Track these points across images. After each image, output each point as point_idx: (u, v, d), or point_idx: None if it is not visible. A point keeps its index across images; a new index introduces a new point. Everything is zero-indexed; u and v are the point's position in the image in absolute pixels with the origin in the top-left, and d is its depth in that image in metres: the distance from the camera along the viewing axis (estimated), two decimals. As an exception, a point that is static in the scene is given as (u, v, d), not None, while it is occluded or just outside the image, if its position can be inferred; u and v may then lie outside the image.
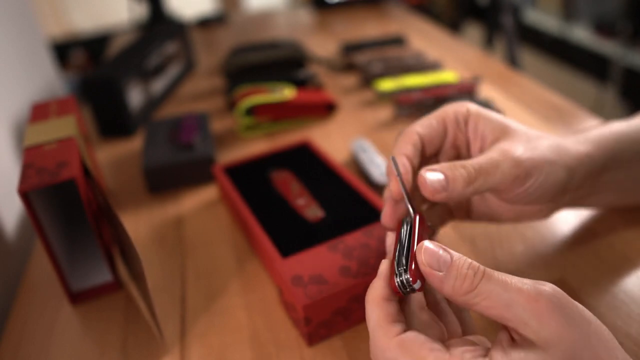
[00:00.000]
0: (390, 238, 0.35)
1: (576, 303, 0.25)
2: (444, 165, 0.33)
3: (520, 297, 0.24)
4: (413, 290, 0.28)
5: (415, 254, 0.28)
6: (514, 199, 0.35)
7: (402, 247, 0.30)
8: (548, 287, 0.25)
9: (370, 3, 1.24)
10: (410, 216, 0.32)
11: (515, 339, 0.25)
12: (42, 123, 0.47)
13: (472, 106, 0.37)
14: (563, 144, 0.36)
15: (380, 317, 0.27)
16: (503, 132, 0.35)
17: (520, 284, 0.25)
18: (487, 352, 0.25)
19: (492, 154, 0.34)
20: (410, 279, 0.27)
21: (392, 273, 0.28)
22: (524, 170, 0.33)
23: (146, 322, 0.41)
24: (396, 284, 0.28)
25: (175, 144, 0.59)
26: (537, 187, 0.34)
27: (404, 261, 0.28)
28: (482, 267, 0.26)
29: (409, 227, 0.31)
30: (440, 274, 0.26)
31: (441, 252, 0.27)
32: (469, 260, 0.27)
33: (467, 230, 0.46)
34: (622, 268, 0.40)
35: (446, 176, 0.32)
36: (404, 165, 0.34)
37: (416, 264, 0.27)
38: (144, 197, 0.57)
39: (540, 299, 0.24)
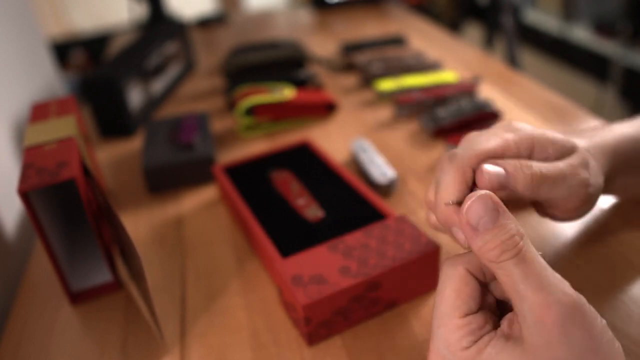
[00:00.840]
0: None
1: (596, 329, 0.24)
2: (509, 161, 0.31)
3: (535, 297, 0.24)
4: None
5: None
6: (561, 210, 0.35)
7: None
8: (570, 301, 0.23)
9: (370, 3, 1.24)
10: None
11: (514, 327, 0.25)
12: (42, 123, 0.47)
13: (534, 132, 0.34)
14: (595, 162, 0.36)
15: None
16: (566, 151, 0.34)
17: (545, 283, 0.24)
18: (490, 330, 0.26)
19: (561, 166, 0.32)
20: None
21: None
22: (589, 194, 0.33)
23: (146, 322, 0.41)
24: None
25: (175, 144, 0.59)
26: (585, 206, 0.34)
27: None
28: (521, 245, 0.24)
29: None
30: (478, 230, 0.25)
31: (492, 209, 0.25)
32: (514, 231, 0.25)
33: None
34: (622, 269, 0.40)
35: (507, 172, 0.30)
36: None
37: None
38: (144, 197, 0.57)
39: (552, 309, 0.23)
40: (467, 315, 0.27)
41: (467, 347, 0.25)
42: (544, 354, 0.23)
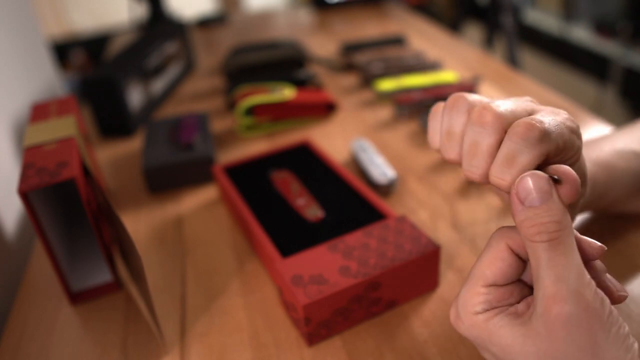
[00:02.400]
0: None
1: (604, 342, 0.23)
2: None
3: (551, 287, 0.24)
4: None
5: None
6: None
7: None
8: (584, 304, 0.23)
9: (370, 3, 1.24)
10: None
11: (527, 313, 0.26)
12: (42, 123, 0.47)
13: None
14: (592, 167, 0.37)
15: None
16: None
17: (566, 277, 0.24)
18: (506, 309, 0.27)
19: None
20: None
21: None
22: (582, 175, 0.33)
23: (146, 322, 0.41)
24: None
25: (175, 144, 0.59)
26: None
27: None
28: (558, 234, 0.25)
29: None
30: (525, 203, 0.25)
31: (544, 189, 0.25)
32: (557, 217, 0.25)
33: (468, 230, 0.46)
34: (622, 268, 0.40)
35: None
36: None
37: None
38: (144, 197, 0.57)
39: (562, 305, 0.23)
40: (490, 286, 0.27)
41: (477, 313, 0.27)
42: (541, 343, 0.24)
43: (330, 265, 0.38)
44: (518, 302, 0.27)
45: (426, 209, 0.50)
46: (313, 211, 0.46)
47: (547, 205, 0.25)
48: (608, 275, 0.27)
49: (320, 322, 0.36)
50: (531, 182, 0.25)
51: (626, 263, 0.41)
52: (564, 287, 0.24)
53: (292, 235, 0.43)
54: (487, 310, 0.27)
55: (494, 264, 0.27)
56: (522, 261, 0.28)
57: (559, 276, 0.24)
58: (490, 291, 0.27)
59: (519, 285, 0.28)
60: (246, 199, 0.49)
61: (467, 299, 0.28)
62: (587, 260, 0.27)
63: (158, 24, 1.14)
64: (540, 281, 0.24)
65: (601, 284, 0.26)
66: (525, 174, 0.26)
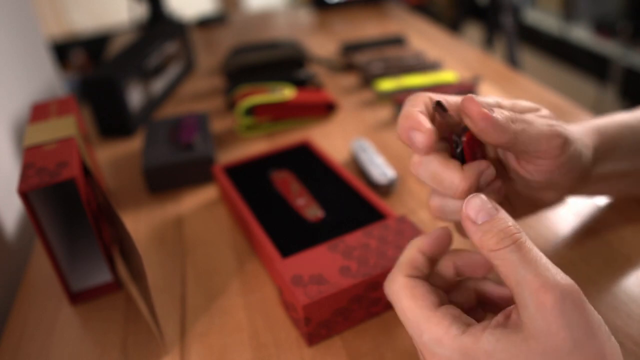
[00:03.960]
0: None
1: (593, 317, 0.24)
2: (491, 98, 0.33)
3: (535, 281, 0.24)
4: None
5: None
6: (553, 171, 0.33)
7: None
8: (569, 283, 0.24)
9: (370, 3, 1.24)
10: (460, 133, 0.31)
11: (511, 318, 0.26)
12: (42, 123, 0.47)
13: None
14: (585, 138, 0.37)
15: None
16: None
17: (543, 268, 0.24)
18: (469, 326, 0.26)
19: (528, 114, 0.33)
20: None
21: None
22: (560, 138, 0.32)
23: (146, 322, 0.41)
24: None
25: (175, 144, 0.59)
26: (576, 157, 0.33)
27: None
28: (519, 236, 0.26)
29: (460, 148, 0.31)
30: (477, 223, 0.27)
31: (489, 205, 0.27)
32: (511, 223, 0.26)
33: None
34: (622, 268, 0.40)
35: (490, 109, 0.30)
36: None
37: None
38: (144, 197, 0.57)
39: (551, 291, 0.24)
40: (438, 306, 0.28)
41: (460, 334, 0.26)
42: (545, 338, 0.23)
43: (330, 265, 0.38)
44: (476, 319, 0.28)
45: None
46: (313, 211, 0.46)
47: (498, 214, 0.27)
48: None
49: (320, 322, 0.36)
50: (477, 201, 0.27)
51: (627, 264, 0.41)
52: (547, 276, 0.24)
53: (292, 235, 0.43)
54: (465, 328, 0.26)
55: (416, 293, 0.29)
56: (425, 277, 0.30)
57: (538, 269, 0.24)
58: (446, 310, 0.27)
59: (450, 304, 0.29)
60: (246, 199, 0.49)
61: (437, 335, 0.26)
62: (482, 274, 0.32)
63: (158, 24, 1.14)
64: (520, 280, 0.25)
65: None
66: (469, 197, 0.28)
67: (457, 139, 0.31)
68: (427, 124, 0.30)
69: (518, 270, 0.25)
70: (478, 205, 0.27)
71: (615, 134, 0.39)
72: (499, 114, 0.30)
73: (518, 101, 0.35)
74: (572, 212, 0.47)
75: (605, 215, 0.46)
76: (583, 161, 0.35)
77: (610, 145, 0.38)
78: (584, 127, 0.38)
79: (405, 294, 0.29)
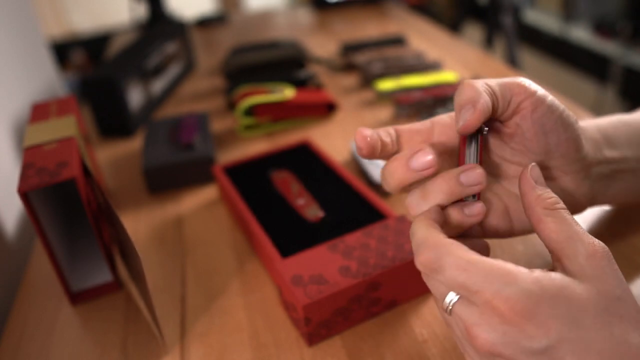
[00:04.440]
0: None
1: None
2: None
3: (587, 237, 0.27)
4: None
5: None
6: (532, 121, 0.34)
7: (470, 155, 0.32)
8: (605, 245, 0.27)
9: (370, 3, 1.24)
10: (481, 130, 0.32)
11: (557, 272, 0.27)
12: (42, 123, 0.47)
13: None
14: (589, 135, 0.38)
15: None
16: None
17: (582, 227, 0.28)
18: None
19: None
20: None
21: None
22: (526, 82, 0.33)
23: (146, 322, 0.41)
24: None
25: (175, 144, 0.59)
26: (548, 108, 0.34)
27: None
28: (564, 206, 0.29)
29: (476, 146, 0.32)
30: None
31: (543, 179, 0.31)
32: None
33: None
34: (624, 270, 0.40)
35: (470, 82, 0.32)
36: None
37: None
38: (144, 197, 0.57)
39: (599, 245, 0.27)
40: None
41: (531, 271, 0.26)
42: (596, 282, 0.26)
43: (330, 265, 0.38)
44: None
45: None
46: (313, 211, 0.46)
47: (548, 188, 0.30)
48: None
49: (320, 322, 0.36)
50: (538, 170, 0.31)
51: (627, 264, 0.41)
52: (590, 236, 0.27)
53: (292, 235, 0.43)
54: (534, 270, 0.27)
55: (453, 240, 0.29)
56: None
57: (581, 229, 0.28)
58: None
59: None
60: (246, 199, 0.49)
61: (501, 270, 0.26)
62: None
63: (158, 24, 1.14)
64: (574, 236, 0.27)
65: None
66: (532, 165, 0.31)
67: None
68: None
69: (572, 226, 0.27)
70: (537, 172, 0.31)
71: (610, 126, 0.39)
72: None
73: None
74: (581, 221, 0.47)
75: (610, 219, 0.45)
76: (567, 114, 0.35)
77: (607, 133, 0.39)
78: (586, 124, 0.39)
79: (461, 251, 0.28)
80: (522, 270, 0.26)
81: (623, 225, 0.44)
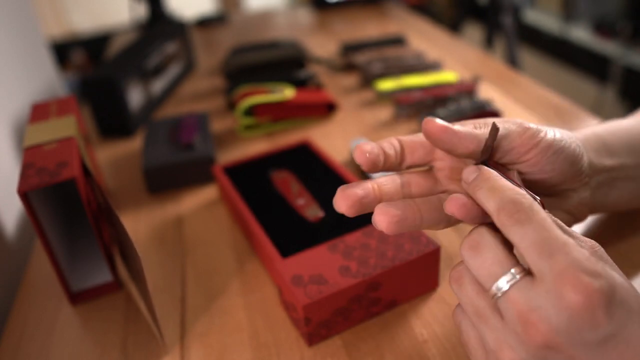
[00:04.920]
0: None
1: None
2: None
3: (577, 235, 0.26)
4: None
5: None
6: (536, 167, 0.33)
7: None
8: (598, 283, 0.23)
9: (370, 3, 1.24)
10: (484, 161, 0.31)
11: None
12: (42, 123, 0.47)
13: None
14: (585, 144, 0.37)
15: None
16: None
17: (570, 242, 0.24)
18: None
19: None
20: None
21: None
22: (529, 128, 0.32)
23: (146, 322, 0.41)
24: None
25: (175, 144, 0.59)
26: (554, 150, 0.33)
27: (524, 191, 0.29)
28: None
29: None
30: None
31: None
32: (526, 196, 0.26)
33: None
34: (625, 269, 0.40)
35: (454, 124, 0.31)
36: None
37: None
38: (144, 197, 0.57)
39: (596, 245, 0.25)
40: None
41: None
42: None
43: (330, 265, 0.38)
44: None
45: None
46: (313, 211, 0.46)
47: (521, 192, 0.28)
48: None
49: (320, 322, 0.36)
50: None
51: (626, 263, 0.41)
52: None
53: (292, 235, 0.43)
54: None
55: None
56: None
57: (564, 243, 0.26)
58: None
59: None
60: (246, 199, 0.49)
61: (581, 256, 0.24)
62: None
63: (158, 24, 1.14)
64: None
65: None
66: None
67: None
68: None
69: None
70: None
71: (608, 133, 0.39)
72: (458, 126, 0.30)
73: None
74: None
75: (610, 220, 0.45)
76: (572, 149, 0.34)
77: (607, 141, 0.39)
78: (577, 132, 0.39)
79: (544, 213, 0.26)
80: (592, 256, 0.24)
81: (623, 224, 0.44)
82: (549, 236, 0.24)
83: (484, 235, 0.27)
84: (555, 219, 0.27)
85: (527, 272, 0.25)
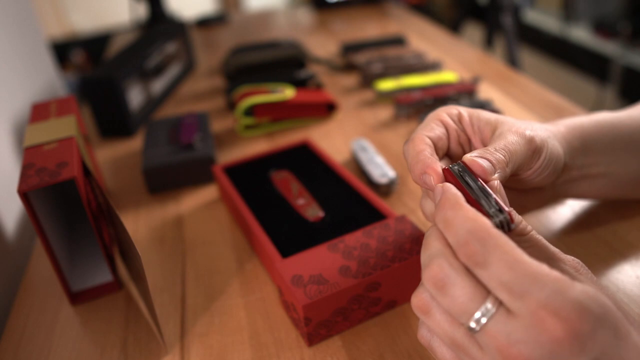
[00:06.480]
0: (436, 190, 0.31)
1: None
2: (478, 151, 0.32)
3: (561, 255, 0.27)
4: (509, 229, 0.28)
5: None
6: (529, 178, 0.36)
7: (477, 191, 0.29)
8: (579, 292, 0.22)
9: (370, 3, 1.24)
10: (459, 164, 0.32)
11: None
12: (42, 123, 0.47)
13: (459, 107, 0.38)
14: (545, 125, 0.39)
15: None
16: (498, 122, 0.36)
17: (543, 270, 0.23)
18: None
19: (508, 137, 0.34)
20: (509, 217, 0.27)
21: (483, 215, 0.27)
22: (536, 145, 0.34)
23: (146, 322, 0.41)
24: (495, 224, 0.27)
25: (175, 144, 0.59)
26: (547, 161, 0.35)
27: (493, 203, 0.28)
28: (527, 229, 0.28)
29: (467, 175, 0.31)
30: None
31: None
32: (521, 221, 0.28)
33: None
34: (620, 267, 0.40)
35: (490, 161, 0.31)
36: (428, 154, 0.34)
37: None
38: (144, 197, 0.57)
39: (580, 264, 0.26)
40: None
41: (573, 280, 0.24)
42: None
43: (330, 265, 0.38)
44: None
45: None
46: (313, 211, 0.46)
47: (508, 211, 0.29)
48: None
49: (320, 322, 0.36)
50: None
51: (608, 251, 0.41)
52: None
53: (292, 235, 0.43)
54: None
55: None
56: None
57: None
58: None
59: None
60: (246, 199, 0.49)
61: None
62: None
63: (158, 24, 1.14)
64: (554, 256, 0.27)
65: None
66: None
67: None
68: (437, 167, 0.31)
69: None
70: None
71: (593, 130, 0.40)
72: (482, 162, 0.31)
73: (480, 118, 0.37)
74: (569, 210, 0.47)
75: (602, 213, 0.46)
76: (559, 152, 0.36)
77: (587, 139, 0.39)
78: (562, 125, 0.39)
79: (510, 246, 0.25)
80: (566, 278, 0.23)
81: (607, 211, 0.45)
82: (515, 275, 0.23)
83: (446, 271, 0.25)
84: (531, 234, 0.27)
85: (501, 302, 0.24)
